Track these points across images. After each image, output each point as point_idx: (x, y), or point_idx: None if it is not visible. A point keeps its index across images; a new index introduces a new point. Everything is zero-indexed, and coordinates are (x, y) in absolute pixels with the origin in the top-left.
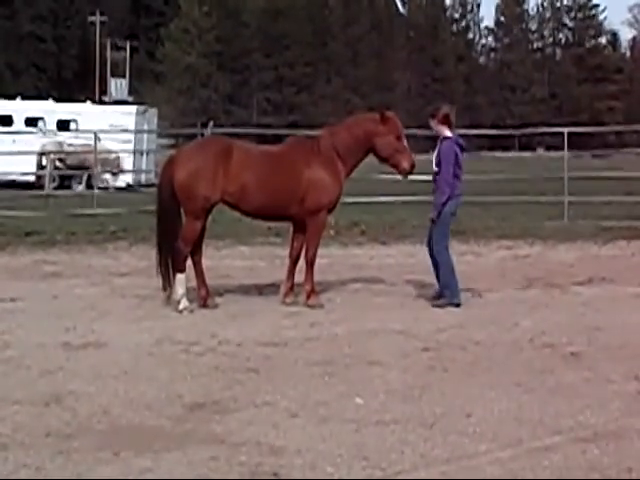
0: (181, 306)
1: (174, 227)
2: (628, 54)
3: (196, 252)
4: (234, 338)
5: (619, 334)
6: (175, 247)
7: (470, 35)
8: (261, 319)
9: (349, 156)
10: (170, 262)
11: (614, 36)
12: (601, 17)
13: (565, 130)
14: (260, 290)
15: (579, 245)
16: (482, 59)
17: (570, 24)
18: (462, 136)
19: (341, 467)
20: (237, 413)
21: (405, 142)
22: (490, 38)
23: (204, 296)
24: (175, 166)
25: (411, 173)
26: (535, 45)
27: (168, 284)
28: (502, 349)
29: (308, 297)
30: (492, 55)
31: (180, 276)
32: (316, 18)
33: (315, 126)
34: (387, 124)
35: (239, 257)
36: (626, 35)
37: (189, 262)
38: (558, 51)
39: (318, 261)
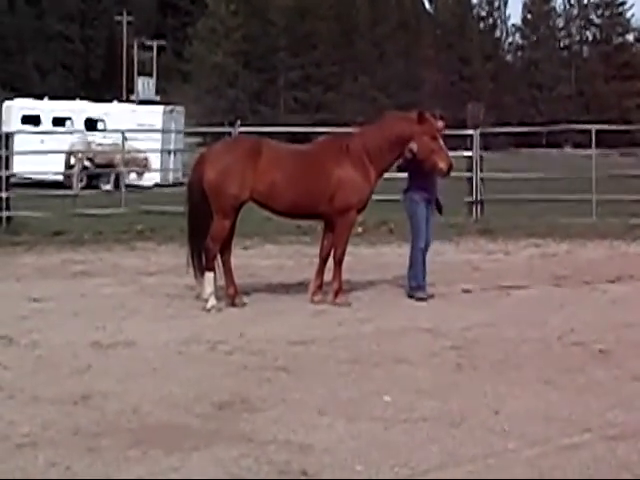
0: (209, 305)
1: (204, 225)
2: None
3: (225, 251)
4: (262, 337)
5: None
6: (204, 246)
7: (497, 33)
8: (289, 318)
9: (380, 156)
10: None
11: None
12: (628, 14)
13: (593, 127)
14: (287, 289)
15: (607, 243)
16: (509, 57)
17: (597, 21)
18: (490, 134)
19: (369, 465)
20: (265, 412)
21: (442, 142)
22: (517, 36)
23: (232, 294)
24: (205, 165)
25: (449, 174)
26: (562, 43)
27: (197, 276)
28: (531, 347)
29: (335, 295)
30: (519, 53)
31: (209, 275)
32: (343, 17)
33: (343, 124)
34: (423, 124)
35: (266, 256)
36: None
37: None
38: (585, 48)
39: (346, 259)
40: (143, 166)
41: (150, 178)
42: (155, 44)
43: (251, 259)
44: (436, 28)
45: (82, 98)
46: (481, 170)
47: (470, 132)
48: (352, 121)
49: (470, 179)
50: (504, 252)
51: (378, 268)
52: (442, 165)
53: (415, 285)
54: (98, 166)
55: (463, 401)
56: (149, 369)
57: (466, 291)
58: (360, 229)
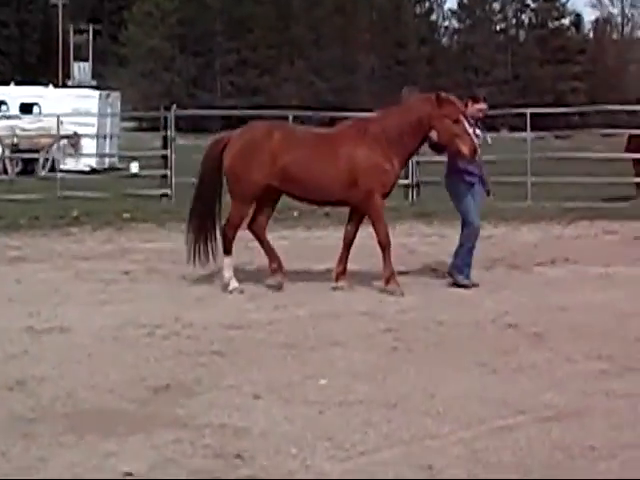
0: (230, 287)
1: (212, 208)
2: (591, 35)
3: (262, 233)
4: (198, 321)
5: (582, 314)
6: (222, 232)
7: (433, 17)
8: (225, 302)
9: (400, 140)
10: (206, 239)
11: (577, 17)
12: None
13: (528, 111)
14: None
15: (542, 226)
16: (445, 41)
17: (533, 5)
18: None
19: (305, 448)
20: (201, 396)
21: (466, 124)
22: (453, 20)
23: (275, 268)
24: (223, 151)
25: (473, 159)
26: (498, 27)
27: (195, 259)
28: (465, 329)
29: (387, 282)
30: (455, 37)
31: (227, 259)
32: (279, 0)
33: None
34: (443, 107)
35: None
36: (589, 16)
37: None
38: (521, 32)
39: (282, 243)
40: (74, 148)
41: (85, 163)
42: (91, 28)
43: None
44: (372, 12)
45: (17, 83)
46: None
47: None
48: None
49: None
50: (440, 235)
51: (314, 252)
52: (464, 149)
53: (462, 269)
54: (23, 151)
55: (399, 384)
56: (84, 354)
57: (401, 274)
58: (296, 213)
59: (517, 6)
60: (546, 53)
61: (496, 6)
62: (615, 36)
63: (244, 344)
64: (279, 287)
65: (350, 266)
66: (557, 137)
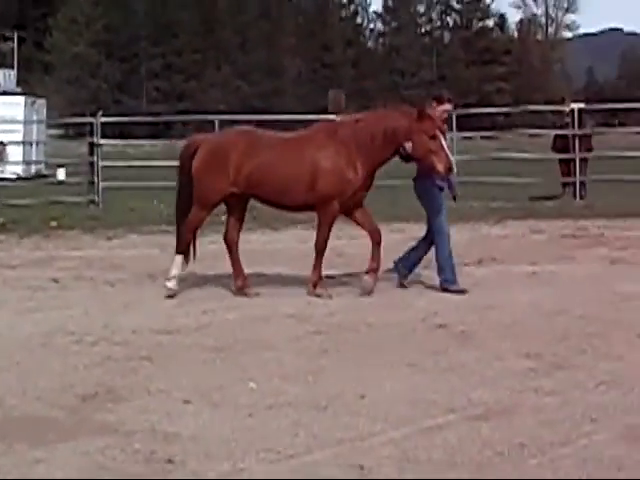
0: (168, 284)
1: (189, 208)
2: (516, 36)
3: (233, 242)
4: (127, 327)
5: (509, 313)
6: (179, 228)
7: (358, 20)
8: (153, 307)
9: (371, 148)
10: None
11: (501, 18)
12: (488, 0)
13: (453, 112)
14: (153, 278)
15: (469, 226)
16: (371, 44)
17: (457, 7)
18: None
19: (235, 452)
20: (130, 402)
21: (442, 140)
22: (378, 23)
23: (241, 286)
24: (195, 153)
25: (447, 175)
26: (423, 29)
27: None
28: (395, 330)
29: (314, 286)
30: (380, 40)
31: (177, 258)
32: (204, 5)
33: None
34: (422, 122)
35: (131, 246)
36: (514, 17)
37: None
38: (446, 34)
39: (212, 247)
40: None
41: (11, 170)
42: (15, 35)
43: (114, 250)
44: (297, 15)
45: None
46: None
47: (332, 118)
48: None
49: None
50: (368, 237)
51: (242, 255)
52: (439, 167)
53: (449, 277)
54: None
55: (328, 386)
56: (12, 362)
57: (330, 277)
58: (223, 217)
59: (442, 8)
60: (471, 54)
61: (421, 8)
62: (539, 37)
63: (173, 349)
64: (256, 295)
65: (278, 269)
66: (483, 137)
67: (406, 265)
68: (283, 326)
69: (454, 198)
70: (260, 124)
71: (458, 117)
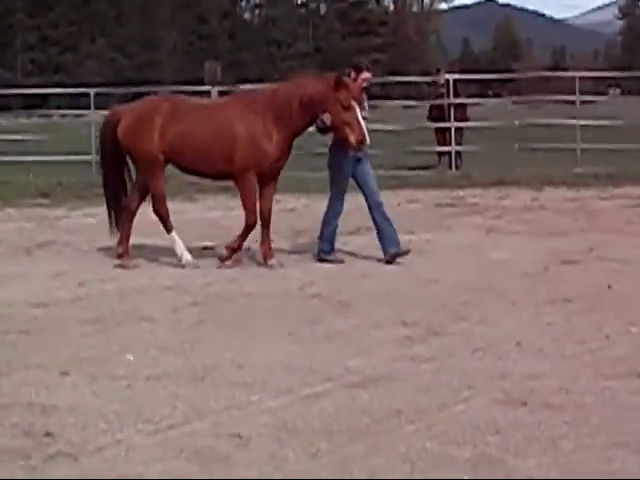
0: (184, 261)
1: (118, 181)
2: (392, 7)
3: (134, 207)
4: (3, 300)
5: (386, 281)
6: (154, 211)
7: None
8: (29, 280)
9: (288, 118)
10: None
11: None
12: None
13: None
14: (29, 252)
15: (346, 196)
16: (247, 15)
17: None
18: (228, 92)
19: (114, 423)
20: (9, 375)
21: (358, 112)
22: None
23: (122, 253)
24: (119, 127)
25: (360, 148)
26: (299, 0)
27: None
28: (272, 300)
29: (265, 259)
30: (257, 11)
31: (172, 235)
32: None
33: (80, 85)
34: (338, 91)
35: (6, 219)
36: None
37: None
38: (322, 6)
39: (84, 221)
40: None
41: None
42: None
43: None
44: None
45: None
46: None
47: (208, 89)
48: (90, 82)
49: None
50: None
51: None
52: (352, 139)
53: (326, 248)
54: None
55: (206, 356)
56: None
57: (206, 248)
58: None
59: None
60: (347, 26)
61: None
62: (415, 8)
63: (50, 322)
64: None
65: (151, 241)
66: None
67: (385, 243)
68: (161, 298)
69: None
70: (136, 96)
71: None
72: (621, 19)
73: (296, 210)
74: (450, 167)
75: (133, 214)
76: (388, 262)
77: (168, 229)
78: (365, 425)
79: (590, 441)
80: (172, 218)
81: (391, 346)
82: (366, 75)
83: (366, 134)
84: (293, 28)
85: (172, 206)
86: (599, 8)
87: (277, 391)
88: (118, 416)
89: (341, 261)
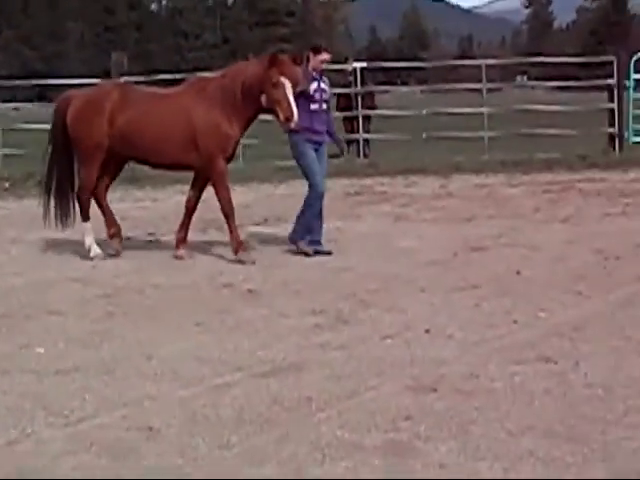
0: (92, 253)
1: (66, 171)
2: None
3: (102, 197)
4: None
5: (295, 270)
6: (77, 197)
7: None
8: None
9: (237, 103)
10: (66, 201)
11: None
12: None
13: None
14: None
15: (254, 186)
16: (154, 6)
17: None
18: (137, 83)
19: (23, 417)
20: None
21: (287, 88)
22: None
23: (114, 233)
24: (67, 110)
25: (288, 127)
26: None
27: (62, 223)
28: (181, 291)
29: (236, 252)
30: (164, 2)
31: (86, 225)
32: None
33: None
34: (269, 69)
35: None
36: None
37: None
38: None
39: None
40: None
41: None
42: None
43: None
44: None
45: None
46: None
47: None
48: None
49: None
50: (152, 199)
51: (28, 222)
52: (281, 116)
53: (306, 238)
54: None
55: (116, 348)
56: None
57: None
58: (7, 184)
59: None
60: (254, 16)
61: None
62: None
63: None
64: (117, 254)
65: (59, 234)
66: None
67: (301, 231)
68: (69, 290)
69: (341, 152)
70: (42, 88)
71: None
72: (527, 7)
73: (206, 201)
74: (358, 155)
75: (105, 200)
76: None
77: (84, 218)
78: (276, 414)
79: (499, 426)
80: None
81: (301, 334)
82: (324, 56)
83: (294, 111)
84: (200, 19)
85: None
86: None
87: (187, 382)
88: (28, 410)
89: (329, 252)
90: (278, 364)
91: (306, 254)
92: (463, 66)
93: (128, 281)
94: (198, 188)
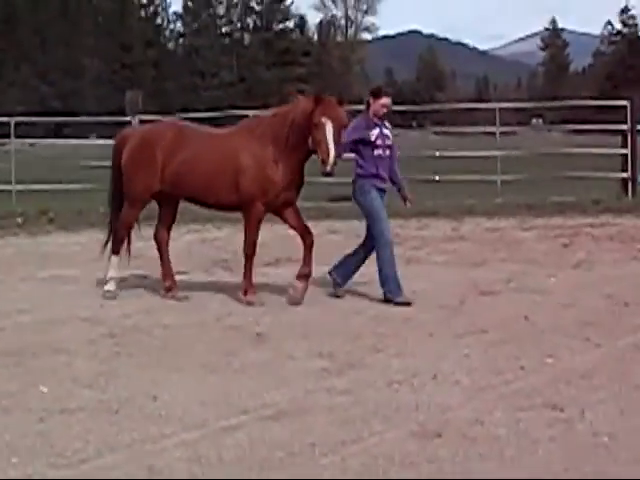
0: (106, 287)
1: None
2: (315, 37)
3: (162, 241)
4: None
5: (304, 313)
6: (114, 230)
7: (159, 20)
8: None
9: (287, 143)
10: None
11: (302, 20)
12: (288, 1)
13: (251, 112)
14: None
15: (268, 226)
16: (171, 45)
17: (257, 8)
18: (149, 121)
19: (25, 457)
20: None
21: (327, 131)
22: (178, 23)
23: (169, 287)
24: (124, 147)
25: (325, 171)
26: (224, 30)
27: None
28: (189, 332)
29: (245, 293)
30: (181, 40)
31: (114, 258)
32: (2, 3)
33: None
34: (314, 110)
35: None
36: (314, 19)
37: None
38: (246, 36)
39: (4, 251)
40: None
41: None
42: None
43: None
44: (96, 15)
45: None
46: None
47: (129, 119)
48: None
49: None
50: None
51: (39, 259)
52: (320, 159)
53: (393, 288)
54: None
55: (121, 389)
56: None
57: (124, 280)
58: (20, 220)
59: (242, 9)
60: (271, 56)
61: (220, 10)
62: (339, 38)
63: None
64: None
65: (74, 271)
66: None
67: (340, 273)
68: (77, 329)
69: (404, 201)
70: (59, 126)
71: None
72: (543, 50)
73: (218, 240)
74: None
75: (166, 245)
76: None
77: (115, 251)
78: (279, 458)
79: (504, 473)
80: (92, 247)
81: (307, 378)
82: (384, 100)
83: (332, 153)
84: (217, 58)
85: (94, 235)
86: (522, 39)
87: (191, 424)
88: (30, 450)
89: (409, 303)
90: (283, 408)
91: (406, 304)
92: (477, 109)
93: (137, 321)
94: (295, 222)
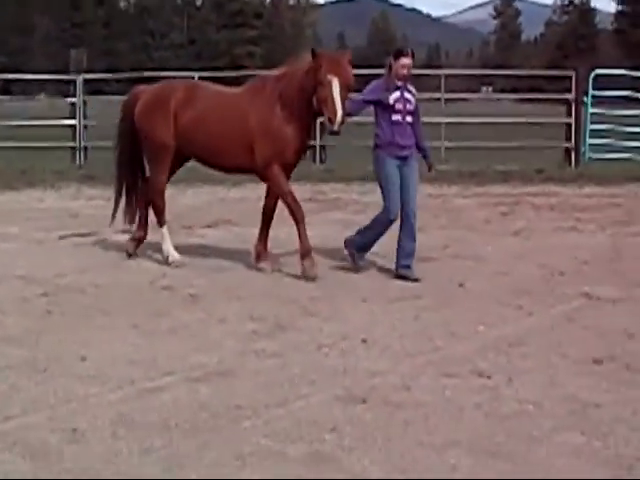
0: (170, 259)
1: (135, 169)
2: (268, 0)
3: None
4: None
5: (238, 276)
6: (152, 202)
7: None
8: None
9: (293, 104)
10: (132, 199)
11: None
12: None
13: (196, 75)
14: None
15: (208, 189)
16: (122, 4)
17: None
18: (101, 80)
19: None
20: None
21: (334, 88)
22: None
23: (139, 237)
24: (136, 108)
25: (332, 129)
26: None
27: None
28: (122, 292)
29: (303, 258)
30: (132, 0)
31: (163, 230)
32: None
33: None
34: (316, 67)
35: None
36: None
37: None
38: None
39: None
40: None
41: None
42: None
43: None
44: None
45: None
46: (84, 117)
47: (73, 77)
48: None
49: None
50: (105, 199)
51: None
52: (325, 117)
53: (357, 254)
54: None
55: (50, 348)
56: None
57: (62, 237)
58: None
59: None
60: (222, 17)
61: None
62: (291, 1)
63: None
64: (132, 256)
65: (15, 229)
66: None
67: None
68: (10, 288)
69: (429, 167)
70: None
71: (204, 79)
72: (495, 18)
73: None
74: (314, 161)
75: (148, 203)
76: (398, 276)
77: (161, 223)
78: (203, 420)
79: (426, 439)
80: (32, 206)
81: (237, 341)
82: (404, 61)
83: (339, 112)
84: (168, 18)
85: (34, 194)
86: (477, 6)
87: (117, 384)
88: None
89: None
90: (211, 370)
91: (351, 269)
92: (425, 75)
93: (71, 280)
94: (273, 194)
